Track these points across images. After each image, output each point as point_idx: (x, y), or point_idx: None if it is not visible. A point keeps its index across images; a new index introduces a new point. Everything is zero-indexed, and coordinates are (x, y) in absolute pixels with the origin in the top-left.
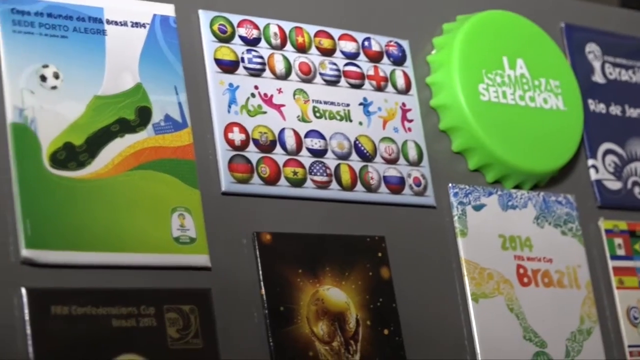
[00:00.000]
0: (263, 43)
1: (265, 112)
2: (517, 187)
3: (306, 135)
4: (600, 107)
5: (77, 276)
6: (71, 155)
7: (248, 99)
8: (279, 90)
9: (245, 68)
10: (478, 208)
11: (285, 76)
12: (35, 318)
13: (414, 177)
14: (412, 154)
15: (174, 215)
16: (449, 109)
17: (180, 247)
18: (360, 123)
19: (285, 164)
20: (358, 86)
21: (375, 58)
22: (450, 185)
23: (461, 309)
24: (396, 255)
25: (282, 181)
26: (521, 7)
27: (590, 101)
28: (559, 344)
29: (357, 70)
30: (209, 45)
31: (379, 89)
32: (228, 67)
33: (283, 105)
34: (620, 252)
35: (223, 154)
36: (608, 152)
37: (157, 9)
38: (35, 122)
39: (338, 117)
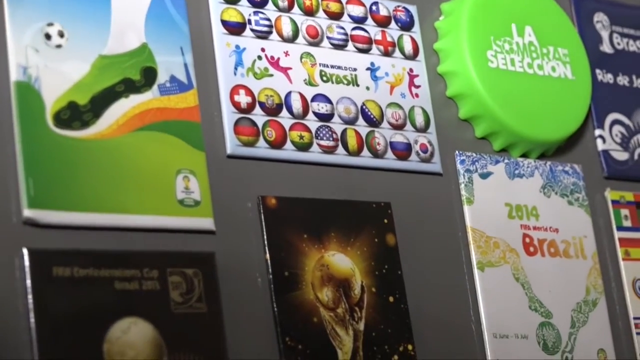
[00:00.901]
0: (270, 5)
1: (271, 75)
2: (524, 155)
3: (313, 99)
4: (608, 77)
5: (80, 237)
6: (75, 114)
7: (254, 61)
8: (286, 53)
9: (252, 30)
10: (485, 176)
11: (292, 39)
12: (37, 279)
13: (421, 144)
14: (419, 120)
15: (178, 177)
16: (457, 75)
17: (184, 210)
18: (367, 88)
19: (292, 128)
20: (365, 51)
21: (383, 23)
22: (457, 152)
23: (467, 277)
24: (402, 222)
25: (288, 145)
26: None
27: (597, 71)
28: (565, 315)
29: (365, 34)
30: (215, 7)
31: (387, 54)
32: (235, 28)
33: (290, 69)
34: (627, 223)
35: (229, 116)
36: (615, 122)
37: None
38: (39, 80)
39: (345, 82)
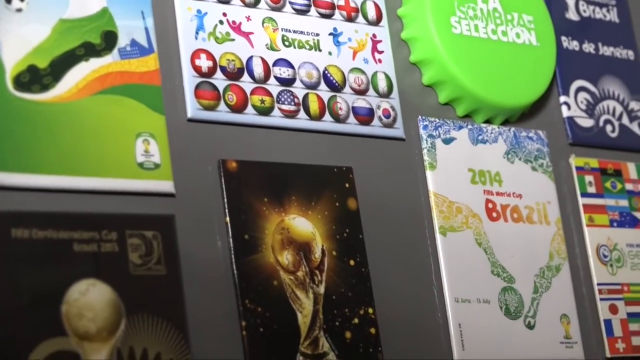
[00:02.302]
0: None
1: (233, 40)
2: (488, 121)
3: (274, 64)
4: (574, 45)
5: (39, 199)
6: (35, 78)
7: (216, 25)
8: (248, 18)
9: None
10: (448, 141)
11: (254, 4)
12: None
13: (384, 109)
14: (382, 85)
15: (138, 140)
16: (420, 41)
17: (144, 173)
18: (330, 53)
19: (253, 92)
20: (328, 16)
21: None
22: (420, 117)
23: (429, 242)
24: (364, 186)
25: (249, 109)
26: None
27: (563, 38)
28: (527, 280)
29: (328, 0)
30: None
31: (350, 19)
32: None
33: (251, 33)
34: (591, 189)
35: (189, 80)
36: (580, 89)
37: None
38: None
39: (307, 47)
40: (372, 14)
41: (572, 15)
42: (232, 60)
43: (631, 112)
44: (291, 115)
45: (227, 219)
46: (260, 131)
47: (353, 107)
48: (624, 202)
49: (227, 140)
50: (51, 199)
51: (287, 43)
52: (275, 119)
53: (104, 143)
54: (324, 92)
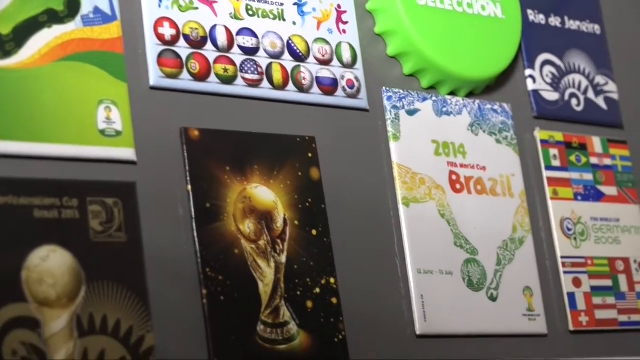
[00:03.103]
0: None
1: (196, 8)
2: (453, 93)
3: (238, 33)
4: (540, 18)
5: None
6: None
7: None
8: None
9: None
10: (412, 113)
11: None
12: None
13: (347, 80)
14: (346, 56)
15: (100, 107)
16: (385, 12)
17: (105, 140)
18: (294, 23)
19: (216, 61)
20: None
21: None
22: (384, 88)
23: (392, 213)
24: (327, 156)
25: (212, 78)
26: None
27: (529, 11)
28: (490, 252)
29: None
30: None
31: None
32: None
33: (215, 2)
34: (556, 162)
35: (152, 48)
36: (546, 62)
37: None
38: None
39: (271, 16)
40: None
41: None
42: (196, 29)
43: (597, 86)
44: (254, 84)
45: (189, 187)
46: (223, 100)
47: (317, 77)
48: (588, 176)
49: (189, 109)
50: (12, 165)
51: (251, 12)
52: (239, 88)
53: (66, 110)
54: (288, 62)
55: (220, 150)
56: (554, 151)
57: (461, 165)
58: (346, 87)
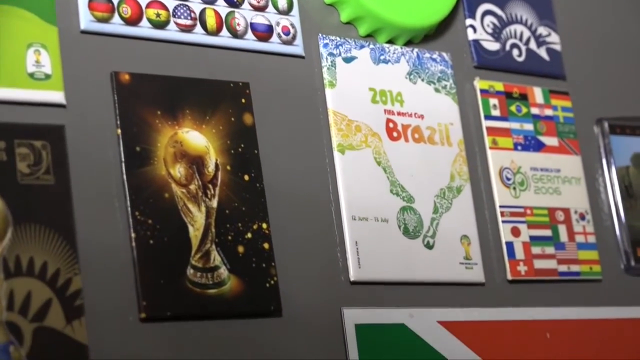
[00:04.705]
0: None
1: None
2: (391, 42)
3: None
4: None
5: None
6: None
7: None
8: None
9: None
10: (348, 60)
11: None
12: None
13: (283, 26)
14: (282, 2)
15: (29, 50)
16: None
17: (34, 83)
18: None
19: (148, 5)
20: None
21: None
22: (320, 35)
23: (327, 160)
24: (261, 102)
25: (144, 22)
26: None
27: None
28: (427, 200)
29: None
30: None
31: None
32: None
33: None
34: (495, 112)
35: None
36: (487, 12)
37: None
38: None
39: None
40: None
41: None
42: None
43: (539, 37)
44: (187, 29)
45: (119, 130)
46: (155, 45)
47: (251, 23)
48: (529, 126)
49: (121, 53)
50: None
51: None
52: (171, 33)
53: None
54: (222, 8)
55: (151, 95)
56: (493, 101)
57: (398, 114)
58: (281, 33)
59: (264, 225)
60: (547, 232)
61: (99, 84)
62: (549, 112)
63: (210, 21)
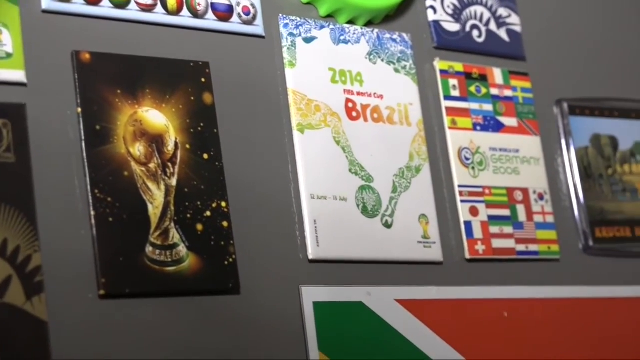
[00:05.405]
0: None
1: None
2: (351, 22)
3: None
4: None
5: None
6: None
7: None
8: None
9: None
10: (309, 40)
11: None
12: None
13: (243, 6)
14: None
15: None
16: None
17: None
18: None
19: None
20: None
21: None
22: (280, 16)
23: (286, 139)
24: (221, 82)
25: (105, 2)
26: None
27: None
28: (386, 179)
29: None
30: None
31: None
32: None
33: None
34: (455, 93)
35: None
36: None
37: None
38: None
39: None
40: None
41: None
42: None
43: (499, 18)
44: (148, 9)
45: (79, 109)
46: (116, 24)
47: (212, 3)
48: (488, 107)
49: (82, 33)
50: None
51: None
52: (132, 12)
53: None
54: None
55: (112, 74)
56: (453, 81)
57: (358, 93)
58: (242, 13)
59: (223, 204)
60: (506, 212)
61: (59, 63)
62: (508, 92)
63: (171, 1)
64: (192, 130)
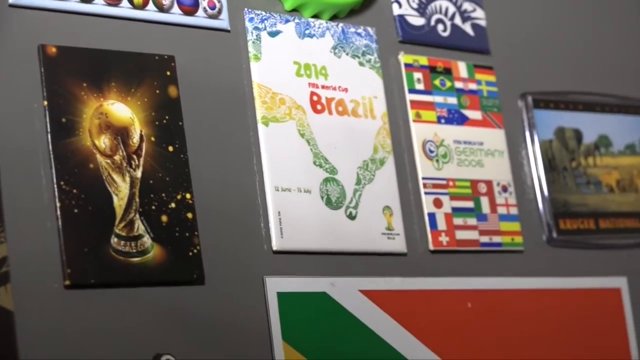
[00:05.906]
0: None
1: None
2: (316, 16)
3: None
4: None
5: None
6: None
7: None
8: None
9: None
10: (274, 34)
11: None
12: None
13: (209, 0)
14: None
15: None
16: None
17: None
18: None
19: None
20: None
21: None
22: (246, 10)
23: (251, 132)
24: (186, 76)
25: None
26: None
27: None
28: (350, 171)
29: None
30: None
31: None
32: None
33: None
34: (419, 86)
35: None
36: None
37: None
38: None
39: None
40: None
41: None
42: None
43: (464, 12)
44: (114, 3)
45: (45, 102)
46: (82, 18)
47: None
48: (452, 100)
49: (48, 27)
50: None
51: None
52: (98, 6)
53: None
54: None
55: (78, 67)
56: (417, 75)
57: (322, 87)
58: (207, 7)
59: (188, 196)
60: (469, 204)
61: (26, 56)
62: (473, 86)
63: None
64: (157, 123)
